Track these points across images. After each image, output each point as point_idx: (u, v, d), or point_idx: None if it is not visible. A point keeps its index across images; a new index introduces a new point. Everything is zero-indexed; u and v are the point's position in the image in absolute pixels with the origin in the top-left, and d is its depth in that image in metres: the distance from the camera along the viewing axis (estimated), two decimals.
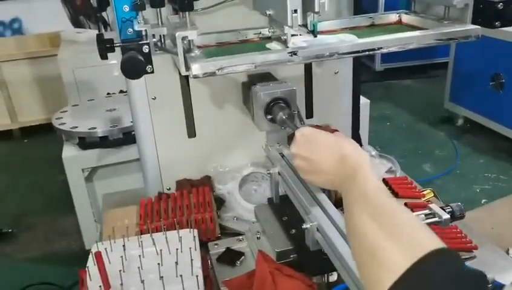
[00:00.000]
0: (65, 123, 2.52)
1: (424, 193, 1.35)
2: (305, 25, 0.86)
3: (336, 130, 1.06)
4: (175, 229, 1.21)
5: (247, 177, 1.43)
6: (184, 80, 1.36)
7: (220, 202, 1.40)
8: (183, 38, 0.82)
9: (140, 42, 0.79)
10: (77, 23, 4.19)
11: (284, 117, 1.15)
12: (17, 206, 3.20)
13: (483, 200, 2.97)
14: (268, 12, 0.92)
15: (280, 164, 1.19)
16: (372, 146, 1.97)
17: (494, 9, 0.93)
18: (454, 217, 0.95)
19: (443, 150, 3.57)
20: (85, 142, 2.43)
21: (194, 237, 1.15)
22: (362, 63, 5.03)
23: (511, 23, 0.97)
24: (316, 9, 0.81)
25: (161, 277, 0.99)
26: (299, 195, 1.04)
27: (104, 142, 2.40)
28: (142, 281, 0.99)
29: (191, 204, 1.35)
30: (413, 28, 1.06)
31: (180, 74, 1.35)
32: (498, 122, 3.41)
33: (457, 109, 3.78)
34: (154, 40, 0.85)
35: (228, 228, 1.34)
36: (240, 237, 1.24)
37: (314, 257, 0.99)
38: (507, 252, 2.55)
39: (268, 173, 1.21)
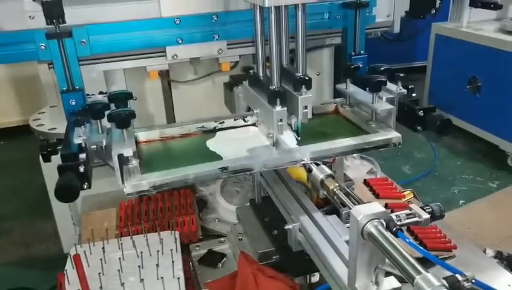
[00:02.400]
0: (43, 124, 2.47)
1: (404, 193, 1.37)
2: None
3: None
4: (156, 231, 1.20)
5: (229, 179, 1.42)
6: (166, 82, 1.35)
7: (202, 203, 1.39)
8: (119, 155, 0.85)
9: (75, 163, 0.81)
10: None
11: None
12: None
13: (461, 201, 3.01)
14: (255, 112, 0.99)
15: None
16: None
17: (415, 114, 1.01)
18: (434, 217, 0.96)
19: (422, 152, 3.61)
20: None
21: (175, 239, 1.14)
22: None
23: (429, 128, 1.12)
24: (300, 118, 0.90)
25: (142, 280, 0.98)
26: (282, 196, 1.04)
27: None
28: (122, 284, 0.98)
29: (173, 206, 1.34)
30: (346, 120, 1.13)
31: (160, 75, 1.35)
32: (475, 124, 3.47)
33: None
34: (95, 147, 0.89)
35: (210, 229, 1.33)
36: (222, 239, 1.24)
37: (296, 258, 0.99)
38: (484, 251, 2.60)
39: (250, 174, 1.21)
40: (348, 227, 0.96)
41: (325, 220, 0.93)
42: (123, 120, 0.90)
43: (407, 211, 0.98)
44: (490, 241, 2.46)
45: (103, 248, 1.08)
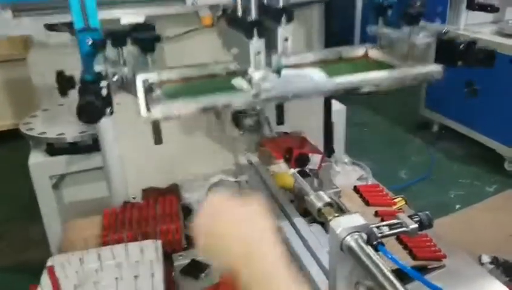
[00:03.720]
0: (33, 129, 2.44)
1: (395, 200, 1.33)
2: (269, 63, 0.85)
3: (305, 139, 1.03)
4: (139, 238, 1.16)
5: (216, 185, 1.39)
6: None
7: (188, 211, 1.36)
8: (144, 81, 0.80)
9: (98, 86, 0.77)
10: (50, 26, 4.10)
11: (250, 124, 1.11)
12: None
13: (457, 206, 2.99)
14: (232, 52, 0.90)
15: (248, 172, 1.15)
16: (349, 152, 1.96)
17: (456, 49, 0.95)
18: (422, 226, 0.93)
19: (419, 156, 3.58)
20: (53, 149, 2.35)
21: (157, 248, 1.10)
22: None
23: (472, 63, 1.01)
24: (279, 51, 0.81)
25: None
26: (265, 203, 1.00)
27: (73, 149, 2.33)
28: None
29: (157, 214, 1.31)
30: (378, 63, 1.05)
31: None
32: (472, 128, 3.45)
33: (432, 116, 3.81)
34: (115, 78, 0.83)
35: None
36: None
37: None
38: (479, 258, 2.55)
39: (235, 181, 1.18)
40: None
41: (308, 229, 0.90)
42: (148, 43, 0.85)
43: (395, 221, 0.95)
44: (486, 247, 2.43)
45: (80, 258, 1.05)
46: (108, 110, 0.81)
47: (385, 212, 1.24)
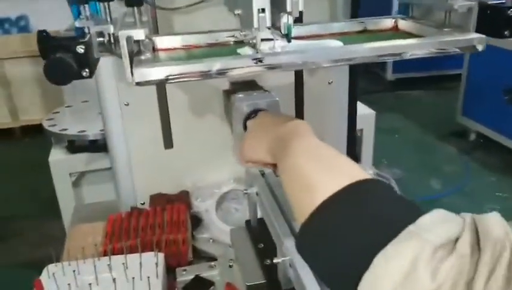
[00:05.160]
0: (55, 125, 2.44)
1: None
2: (279, 28, 0.73)
3: None
4: (144, 250, 1.09)
5: (227, 195, 1.30)
6: (161, 86, 1.24)
7: (197, 220, 1.28)
8: (129, 39, 0.70)
9: (73, 41, 0.66)
10: None
11: None
12: (8, 209, 3.12)
13: None
14: (236, 12, 0.80)
15: (259, 183, 1.06)
16: (377, 160, 1.84)
17: (503, 16, 0.79)
18: None
19: (452, 165, 3.41)
20: (74, 146, 2.34)
21: (157, 263, 1.02)
22: (372, 72, 4.89)
23: None
24: (288, 9, 0.68)
25: None
26: (274, 222, 0.91)
27: (94, 146, 2.31)
28: None
29: (164, 222, 1.23)
30: (409, 35, 0.92)
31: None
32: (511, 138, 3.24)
33: (469, 123, 3.62)
34: (101, 39, 0.73)
35: (202, 251, 1.21)
36: (212, 263, 1.11)
37: None
38: None
39: (245, 193, 1.08)
40: None
41: None
42: None
43: None
44: None
45: (74, 270, 0.98)
46: (85, 72, 0.70)
47: None
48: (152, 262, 1.03)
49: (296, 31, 0.89)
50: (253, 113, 1.08)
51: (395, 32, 0.96)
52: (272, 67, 0.73)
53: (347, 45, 0.79)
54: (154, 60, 0.73)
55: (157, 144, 1.29)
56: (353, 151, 1.45)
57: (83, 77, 0.66)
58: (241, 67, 0.71)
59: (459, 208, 2.83)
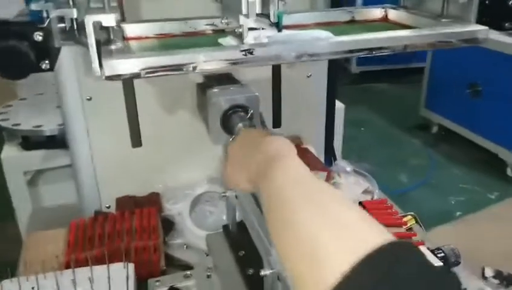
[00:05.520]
0: (7, 119, 2.25)
1: (405, 219, 1.17)
2: (267, 16, 0.65)
3: (307, 150, 0.85)
4: (111, 260, 0.99)
5: (201, 197, 1.21)
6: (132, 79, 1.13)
7: (169, 225, 1.18)
8: (96, 25, 0.59)
9: (29, 26, 0.55)
10: None
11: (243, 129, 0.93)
12: None
13: (458, 213, 2.86)
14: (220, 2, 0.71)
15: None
16: (347, 152, 1.79)
17: (505, 8, 0.75)
18: (447, 263, 0.77)
19: (418, 158, 3.45)
20: (29, 142, 2.17)
21: (127, 275, 0.92)
22: (338, 65, 4.88)
23: None
24: None
25: None
26: (259, 230, 0.83)
27: (51, 142, 2.15)
28: None
29: (133, 228, 1.13)
30: (401, 26, 0.87)
31: None
32: (474, 132, 3.31)
33: (432, 116, 3.67)
34: (62, 25, 0.62)
35: (176, 258, 1.12)
36: (188, 273, 1.02)
37: None
38: (483, 270, 2.42)
39: (223, 196, 1.00)
40: None
41: None
42: None
43: None
44: (489, 258, 2.29)
45: (33, 288, 0.87)
46: (44, 63, 0.59)
47: (397, 235, 1.07)
48: (121, 274, 0.93)
49: None
50: (231, 110, 1.00)
51: (385, 23, 0.90)
52: (263, 60, 0.65)
53: (348, 36, 0.72)
54: (126, 51, 0.64)
55: (124, 142, 1.17)
56: (331, 146, 1.40)
57: (42, 70, 0.55)
58: (229, 59, 0.63)
59: (426, 200, 2.87)
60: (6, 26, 0.54)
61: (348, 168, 1.34)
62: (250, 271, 0.90)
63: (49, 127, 2.10)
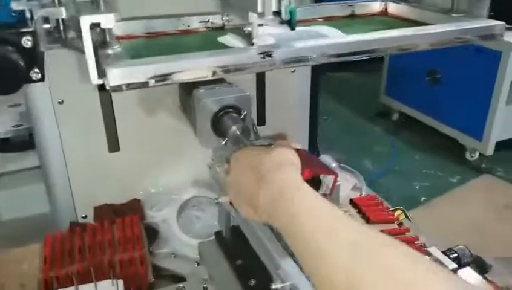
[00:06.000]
0: None
1: (396, 215, 1.16)
2: (277, 13, 0.60)
3: (306, 152, 0.81)
4: (92, 276, 0.91)
5: (188, 202, 1.15)
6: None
7: (153, 233, 1.11)
8: (93, 27, 0.51)
9: (17, 30, 0.47)
10: None
11: (237, 133, 0.88)
12: None
13: (423, 198, 2.93)
14: None
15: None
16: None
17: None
18: (460, 264, 0.75)
19: (381, 146, 3.51)
20: None
21: None
22: None
23: None
24: None
25: None
26: (264, 240, 0.78)
27: (5, 145, 2.00)
28: None
29: (115, 239, 1.05)
30: (404, 20, 0.84)
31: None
32: (434, 118, 3.41)
33: (392, 104, 3.74)
34: (47, 26, 0.54)
35: (164, 268, 1.06)
36: (181, 285, 0.96)
37: None
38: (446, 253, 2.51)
39: (216, 202, 0.94)
40: None
41: None
42: None
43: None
44: (455, 241, 2.38)
45: None
46: (34, 73, 0.51)
47: (391, 231, 1.06)
48: None
49: None
50: (221, 111, 0.94)
51: (385, 17, 0.87)
52: (283, 63, 0.59)
53: (369, 35, 0.68)
54: (124, 55, 0.56)
55: (100, 146, 1.09)
56: (315, 140, 1.37)
57: (33, 81, 0.47)
58: (244, 64, 0.57)
59: (392, 186, 2.93)
60: None
61: (334, 164, 1.31)
62: (252, 282, 0.86)
63: (3, 129, 1.96)
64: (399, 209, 1.20)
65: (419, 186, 2.95)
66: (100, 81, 0.52)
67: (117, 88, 0.52)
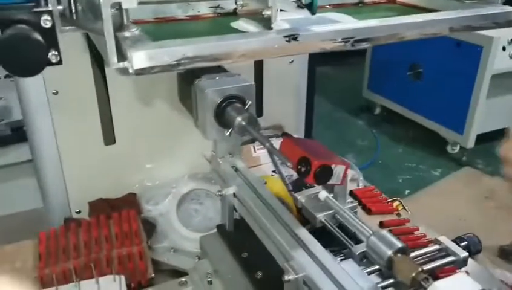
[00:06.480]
0: None
1: (394, 204, 1.17)
2: None
3: (316, 142, 0.80)
4: (91, 272, 0.88)
5: (186, 195, 1.12)
6: (98, 69, 1.01)
7: (150, 227, 1.08)
8: (113, 6, 0.48)
9: (36, 10, 0.44)
10: None
11: (243, 123, 0.86)
12: None
13: (407, 191, 2.96)
14: None
15: (235, 182, 0.91)
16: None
17: None
18: (471, 252, 0.76)
19: (364, 140, 3.54)
20: None
21: (121, 287, 0.83)
22: None
23: None
24: None
25: None
26: (272, 231, 0.77)
27: None
28: None
29: (111, 234, 1.02)
30: (414, 8, 0.83)
31: (92, 58, 1.00)
32: (415, 111, 3.45)
33: (375, 98, 3.78)
34: (60, 7, 0.51)
35: (163, 263, 1.03)
36: (183, 279, 0.94)
37: None
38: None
39: (219, 194, 0.93)
40: (366, 272, 0.73)
41: (340, 268, 0.69)
42: None
43: (436, 247, 0.77)
44: (439, 233, 2.42)
45: None
46: (54, 55, 0.47)
47: (392, 222, 1.06)
48: (113, 287, 0.83)
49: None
50: (225, 101, 0.92)
51: (393, 4, 0.86)
52: (308, 47, 0.57)
53: (393, 18, 0.67)
54: (145, 38, 0.54)
55: (95, 139, 1.06)
56: (310, 132, 1.36)
57: (52, 64, 0.44)
58: (270, 47, 0.55)
59: (376, 180, 2.95)
60: (8, 11, 0.42)
61: None
62: (259, 274, 0.84)
63: None
64: (397, 200, 1.20)
65: (402, 180, 2.99)
66: (120, 65, 0.49)
67: (141, 71, 0.49)
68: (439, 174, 3.04)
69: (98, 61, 0.99)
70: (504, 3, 0.74)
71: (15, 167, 1.84)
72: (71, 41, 0.81)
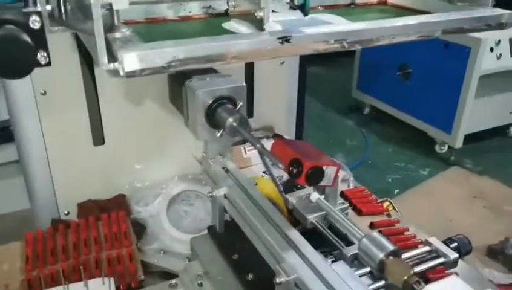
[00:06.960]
0: None
1: (384, 205, 1.17)
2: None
3: (307, 144, 0.80)
4: (80, 274, 0.87)
5: (176, 196, 1.12)
6: (87, 68, 1.00)
7: (140, 228, 1.08)
8: (104, 6, 0.48)
9: (24, 10, 0.43)
10: None
11: (234, 124, 0.85)
12: None
13: (396, 190, 2.98)
14: None
15: (226, 183, 0.90)
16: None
17: None
18: (461, 253, 0.76)
19: (353, 139, 3.55)
20: None
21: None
22: None
23: None
24: None
25: None
26: (263, 233, 0.77)
27: None
28: None
29: (101, 236, 1.01)
30: (405, 9, 0.83)
31: (82, 58, 0.99)
32: (404, 111, 3.48)
33: (364, 98, 3.80)
34: (48, 8, 0.50)
35: (153, 265, 1.03)
36: (173, 281, 0.93)
37: None
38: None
39: (210, 195, 0.92)
40: (358, 275, 0.74)
41: (331, 269, 0.69)
42: None
43: (426, 248, 0.77)
44: (428, 233, 2.44)
45: None
46: (42, 57, 0.46)
47: (382, 223, 1.07)
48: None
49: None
50: (216, 102, 0.91)
51: (385, 6, 0.86)
52: (300, 49, 0.57)
53: (384, 21, 0.67)
54: (136, 40, 0.53)
55: (84, 139, 1.05)
56: (301, 133, 1.36)
57: (41, 65, 0.43)
58: (263, 49, 0.55)
59: (366, 179, 2.97)
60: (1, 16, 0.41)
61: None
62: (250, 276, 0.84)
63: None
64: (387, 200, 1.21)
65: (392, 179, 3.01)
66: (111, 67, 0.48)
67: (132, 74, 0.48)
68: (427, 173, 3.06)
69: (87, 60, 0.98)
70: (495, 6, 0.75)
71: (2, 167, 1.81)
72: (59, 41, 0.80)
